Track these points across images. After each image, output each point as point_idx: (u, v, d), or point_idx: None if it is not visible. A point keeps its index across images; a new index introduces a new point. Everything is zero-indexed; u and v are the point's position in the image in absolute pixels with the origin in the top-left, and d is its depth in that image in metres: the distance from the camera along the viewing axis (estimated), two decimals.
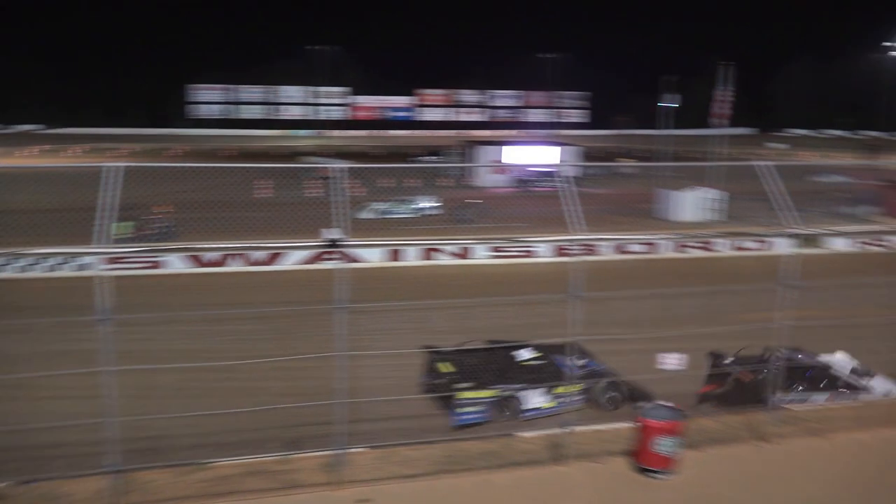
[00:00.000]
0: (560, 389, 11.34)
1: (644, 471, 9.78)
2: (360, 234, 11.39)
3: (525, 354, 12.36)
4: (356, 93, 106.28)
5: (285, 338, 13.26)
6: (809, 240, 24.35)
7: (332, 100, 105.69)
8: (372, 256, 22.75)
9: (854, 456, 10.52)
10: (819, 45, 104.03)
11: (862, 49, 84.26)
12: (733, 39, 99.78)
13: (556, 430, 10.53)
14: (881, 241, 27.31)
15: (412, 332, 12.35)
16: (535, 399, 11.83)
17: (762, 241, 25.14)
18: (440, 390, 11.47)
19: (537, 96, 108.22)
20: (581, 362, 11.22)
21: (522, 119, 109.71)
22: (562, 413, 10.65)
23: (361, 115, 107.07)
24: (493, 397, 11.57)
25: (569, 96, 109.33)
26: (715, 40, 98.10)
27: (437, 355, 12.34)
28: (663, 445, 9.58)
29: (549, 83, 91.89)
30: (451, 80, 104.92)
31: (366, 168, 34.40)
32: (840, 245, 26.65)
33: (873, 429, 11.24)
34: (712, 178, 30.80)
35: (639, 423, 9.87)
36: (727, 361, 12.22)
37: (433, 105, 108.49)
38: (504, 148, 51.07)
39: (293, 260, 22.96)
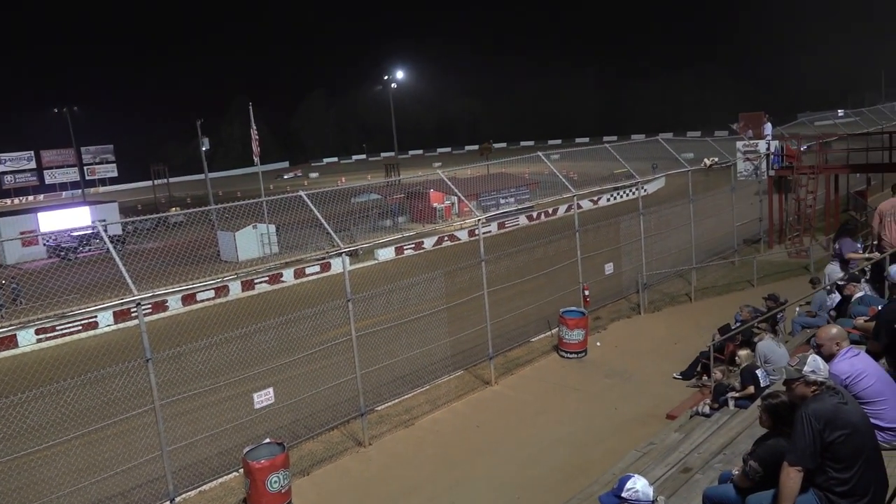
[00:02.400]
0: None
1: None
2: None
3: None
4: None
5: None
6: (361, 254, 26.97)
7: None
8: None
9: (433, 433, 12.01)
10: (331, 81, 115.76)
11: (368, 82, 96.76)
12: (256, 80, 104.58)
13: None
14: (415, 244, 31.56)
15: None
16: None
17: (321, 264, 26.90)
18: None
19: (55, 154, 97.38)
20: None
21: (43, 182, 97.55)
22: None
23: None
24: None
25: (93, 151, 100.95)
26: (240, 82, 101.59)
27: None
28: (274, 482, 9.56)
29: (69, 138, 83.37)
30: None
31: None
32: (386, 254, 30.02)
33: (444, 405, 12.99)
34: (263, 213, 31.66)
35: (244, 469, 9.69)
36: None
37: None
38: (31, 216, 44.79)
39: None
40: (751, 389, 9.58)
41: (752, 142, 22.88)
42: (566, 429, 11.57)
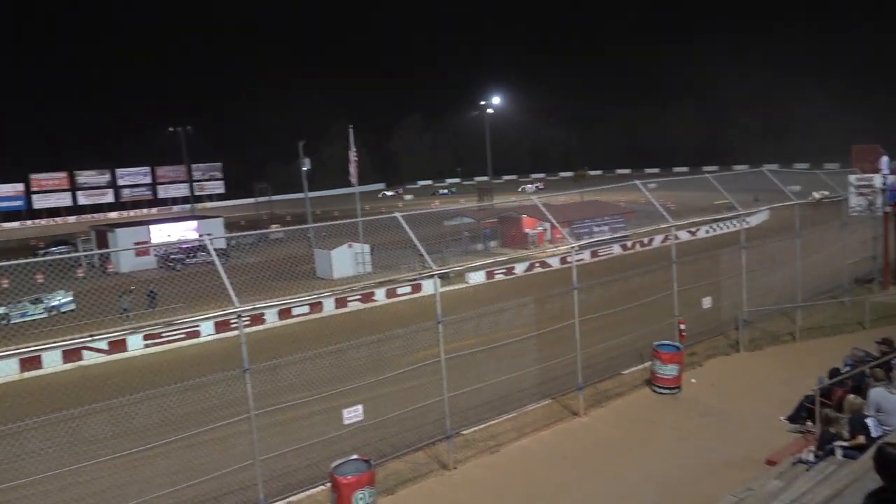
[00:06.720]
0: None
1: None
2: None
3: None
4: None
5: None
6: (452, 277, 27.15)
7: None
8: None
9: (519, 461, 11.85)
10: (428, 105, 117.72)
11: (464, 106, 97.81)
12: (356, 103, 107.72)
13: None
14: (507, 269, 31.49)
15: (67, 446, 10.66)
16: None
17: (413, 285, 27.23)
18: None
19: (169, 170, 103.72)
20: None
21: (156, 196, 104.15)
22: None
23: None
24: None
25: (203, 168, 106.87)
26: (339, 105, 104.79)
27: None
28: (360, 499, 9.67)
29: (181, 156, 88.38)
30: (72, 161, 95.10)
31: None
32: (477, 278, 30.09)
33: (530, 434, 12.81)
34: (359, 233, 32.47)
35: (332, 483, 9.84)
36: None
37: (50, 190, 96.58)
38: (144, 228, 47.73)
39: None
40: (861, 439, 8.97)
41: (866, 175, 21.66)
42: (657, 468, 11.17)
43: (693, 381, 14.88)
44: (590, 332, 14.22)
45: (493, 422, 13.16)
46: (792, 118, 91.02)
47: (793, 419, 12.17)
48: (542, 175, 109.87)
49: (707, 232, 36.24)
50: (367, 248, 31.75)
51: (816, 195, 24.10)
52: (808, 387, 11.82)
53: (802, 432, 11.53)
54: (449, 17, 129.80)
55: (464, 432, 12.65)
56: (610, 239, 34.02)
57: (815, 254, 20.47)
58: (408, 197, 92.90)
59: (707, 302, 16.98)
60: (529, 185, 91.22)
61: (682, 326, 15.91)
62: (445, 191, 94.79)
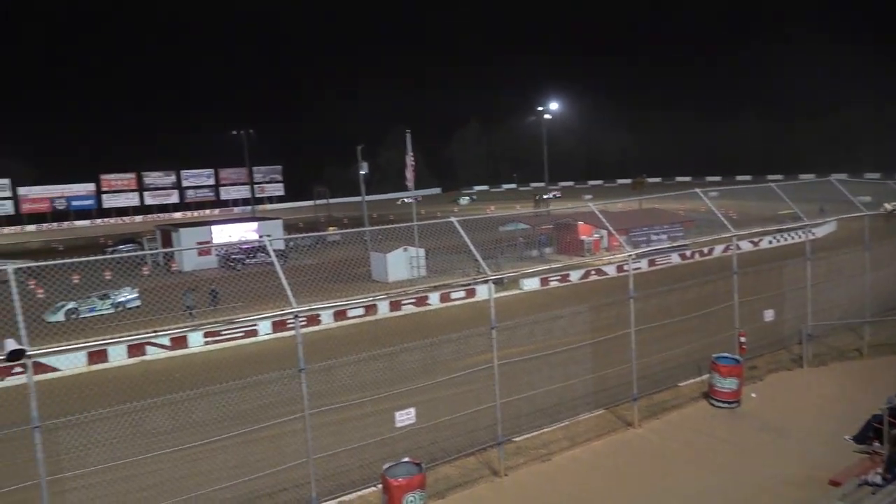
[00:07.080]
0: None
1: None
2: (51, 340, 10.07)
3: None
4: (20, 184, 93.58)
5: None
6: (506, 283, 27.06)
7: None
8: (68, 363, 20.01)
9: (571, 471, 11.72)
10: (485, 110, 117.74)
11: (521, 112, 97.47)
12: (411, 108, 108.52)
13: None
14: (561, 276, 31.24)
15: (130, 438, 11.02)
16: None
17: (467, 290, 27.26)
18: None
19: (231, 173, 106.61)
20: None
21: (218, 197, 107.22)
22: None
23: (31, 208, 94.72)
24: None
25: (263, 171, 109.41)
26: (397, 110, 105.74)
27: None
28: (411, 502, 9.73)
29: (243, 158, 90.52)
30: (140, 162, 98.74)
31: (43, 266, 30.29)
32: (531, 284, 29.93)
33: (582, 444, 12.66)
34: (414, 237, 32.64)
35: (383, 485, 9.93)
36: None
37: (119, 190, 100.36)
38: (206, 228, 49.12)
39: None
40: None
41: None
42: (713, 483, 10.89)
43: (753, 395, 14.47)
44: (646, 342, 13.99)
45: (545, 430, 13.06)
46: (862, 126, 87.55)
47: (859, 439, 11.71)
48: (599, 182, 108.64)
49: (770, 242, 35.27)
50: (422, 252, 31.88)
51: (888, 206, 23.14)
52: (876, 405, 11.35)
53: (869, 453, 11.09)
54: (507, 21, 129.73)
55: (515, 439, 12.59)
56: (668, 248, 33.40)
57: (885, 267, 19.63)
58: (463, 200, 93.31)
59: (769, 314, 16.49)
60: (547, 195, 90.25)
61: (743, 339, 15.49)
62: (466, 198, 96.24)
